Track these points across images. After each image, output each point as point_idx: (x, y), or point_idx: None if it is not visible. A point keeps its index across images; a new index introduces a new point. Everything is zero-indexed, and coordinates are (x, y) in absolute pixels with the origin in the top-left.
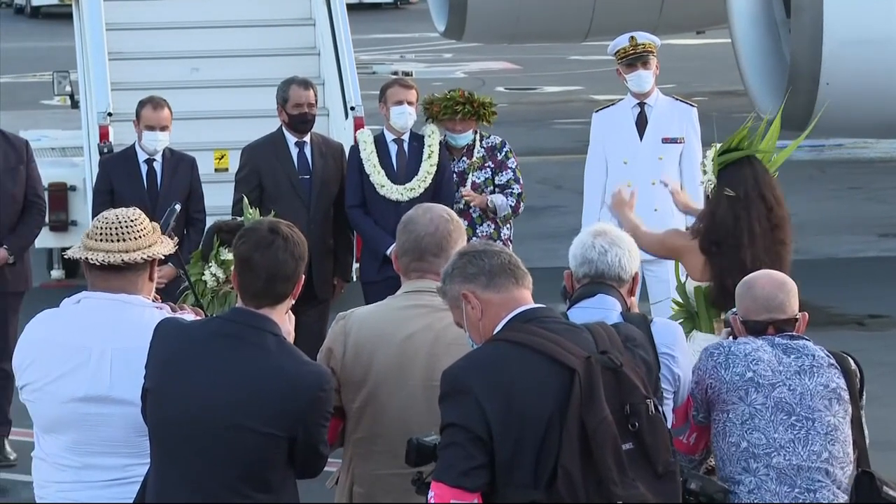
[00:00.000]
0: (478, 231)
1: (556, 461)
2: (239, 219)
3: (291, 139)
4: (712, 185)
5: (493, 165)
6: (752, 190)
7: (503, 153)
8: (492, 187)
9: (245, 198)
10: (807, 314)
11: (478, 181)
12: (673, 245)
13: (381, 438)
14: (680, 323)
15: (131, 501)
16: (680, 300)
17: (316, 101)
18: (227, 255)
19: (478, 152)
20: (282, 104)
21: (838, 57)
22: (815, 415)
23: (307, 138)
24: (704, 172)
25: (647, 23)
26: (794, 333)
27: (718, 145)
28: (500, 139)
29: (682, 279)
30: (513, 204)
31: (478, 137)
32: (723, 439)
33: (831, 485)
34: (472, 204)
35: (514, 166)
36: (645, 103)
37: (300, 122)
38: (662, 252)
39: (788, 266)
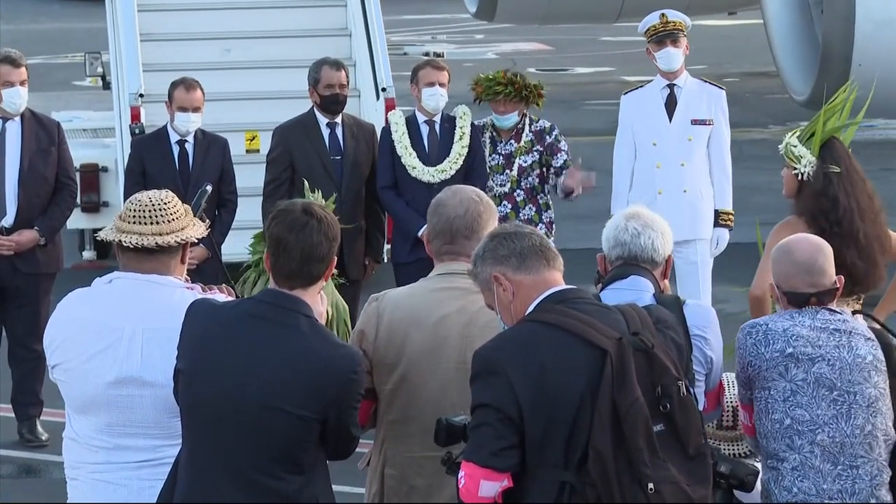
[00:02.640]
0: (520, 214)
1: (588, 442)
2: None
3: (323, 120)
4: (812, 167)
5: (541, 149)
6: (849, 165)
7: (553, 136)
8: (539, 170)
9: (305, 181)
10: (842, 277)
11: (524, 164)
12: None
13: (413, 421)
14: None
15: (162, 482)
16: None
17: (347, 82)
18: None
19: (526, 136)
20: (313, 85)
21: (871, 38)
22: (856, 388)
23: (339, 119)
24: (799, 159)
25: (679, 3)
26: (833, 308)
27: (798, 131)
28: (550, 123)
29: None
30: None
31: (526, 121)
32: (766, 416)
33: (874, 460)
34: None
35: (566, 148)
36: (674, 84)
37: (331, 102)
38: None
39: (889, 235)
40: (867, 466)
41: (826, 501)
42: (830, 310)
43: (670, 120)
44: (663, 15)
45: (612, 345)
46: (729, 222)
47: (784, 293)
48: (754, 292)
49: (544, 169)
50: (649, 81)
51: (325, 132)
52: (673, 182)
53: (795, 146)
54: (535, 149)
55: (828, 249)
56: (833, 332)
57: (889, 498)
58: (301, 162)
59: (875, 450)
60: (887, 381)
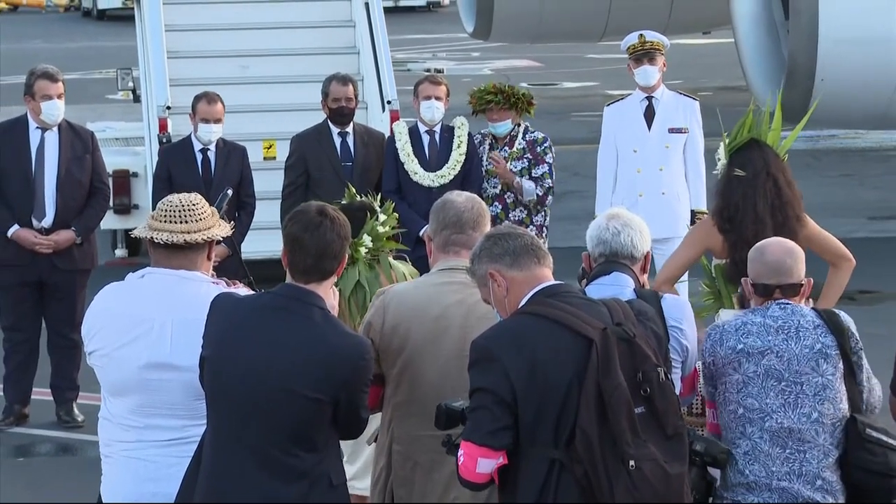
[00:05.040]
0: (510, 216)
1: (575, 423)
2: (360, 199)
3: (335, 130)
4: (724, 169)
5: (531, 157)
6: (760, 169)
7: (542, 148)
8: (527, 176)
9: (350, 186)
10: (811, 280)
11: (514, 170)
12: (699, 237)
13: (417, 403)
14: (708, 302)
15: (189, 459)
16: (708, 281)
17: (356, 97)
18: (380, 228)
19: (519, 144)
20: (324, 98)
21: (832, 55)
22: (803, 378)
23: (350, 129)
24: (718, 160)
25: (657, 24)
26: (786, 301)
27: (727, 134)
28: (543, 135)
29: (706, 261)
30: (539, 193)
31: (521, 130)
32: (724, 408)
33: (822, 444)
34: (495, 172)
35: (550, 161)
36: (652, 97)
37: (338, 115)
38: (701, 249)
39: (799, 239)
40: (814, 451)
41: (775, 482)
42: (781, 305)
43: (649, 129)
44: (641, 35)
45: (597, 334)
46: None
47: (753, 286)
48: (653, 287)
49: (531, 176)
50: (629, 94)
51: (337, 140)
52: (652, 186)
53: (719, 149)
54: (525, 156)
55: (797, 253)
56: (781, 327)
57: (835, 477)
58: (314, 168)
59: (821, 435)
60: (838, 366)
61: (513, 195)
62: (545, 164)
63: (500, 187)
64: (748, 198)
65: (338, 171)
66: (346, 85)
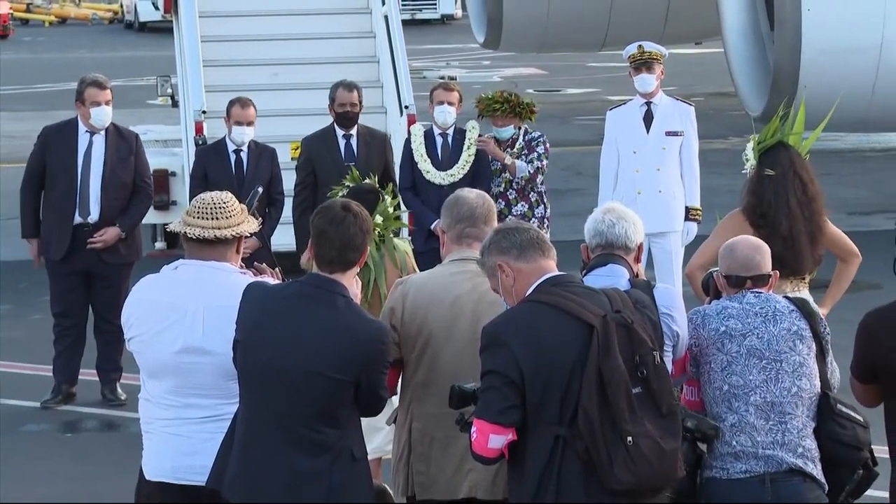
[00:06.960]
0: (513, 210)
1: (578, 402)
2: (367, 181)
3: (340, 132)
4: (752, 169)
5: (527, 152)
6: (788, 169)
7: (536, 141)
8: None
9: (353, 169)
10: (777, 272)
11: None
12: (730, 230)
13: (434, 383)
14: None
15: (222, 435)
16: None
17: (360, 102)
18: (389, 209)
19: (519, 144)
20: (331, 102)
21: (814, 64)
22: (782, 356)
23: (353, 131)
24: (746, 160)
25: (653, 35)
26: (760, 291)
27: (756, 136)
28: (539, 133)
29: None
30: (531, 171)
31: (521, 132)
32: (709, 386)
33: (800, 415)
34: (485, 147)
35: (541, 151)
36: (651, 102)
37: (343, 118)
38: None
39: (824, 232)
40: (794, 421)
41: (760, 450)
42: (755, 293)
43: (648, 132)
44: (640, 46)
45: (598, 321)
46: (697, 217)
47: (726, 278)
48: (686, 271)
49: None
50: (630, 100)
51: (342, 142)
52: (650, 184)
53: (747, 150)
54: (523, 154)
55: (764, 249)
56: (759, 312)
57: (813, 445)
58: (320, 167)
59: (799, 407)
60: (812, 347)
61: (514, 192)
62: (534, 153)
63: (502, 185)
64: (779, 195)
65: (341, 170)
66: (352, 91)
